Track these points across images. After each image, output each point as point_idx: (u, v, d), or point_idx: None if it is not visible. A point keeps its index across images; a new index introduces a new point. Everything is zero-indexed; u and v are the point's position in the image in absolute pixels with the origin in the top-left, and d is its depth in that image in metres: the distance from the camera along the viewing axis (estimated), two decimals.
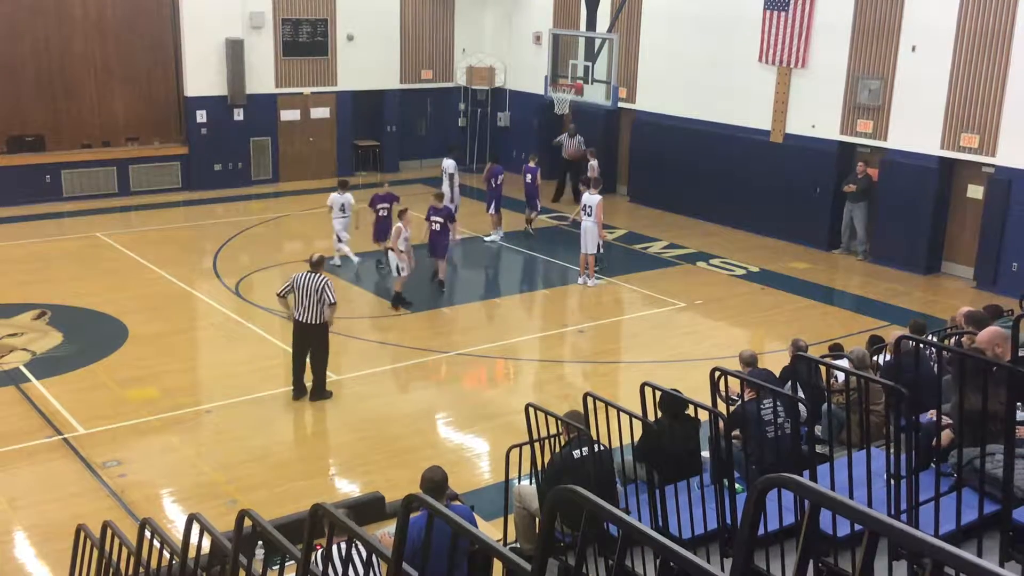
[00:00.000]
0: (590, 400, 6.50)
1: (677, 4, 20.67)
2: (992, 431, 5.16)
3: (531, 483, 7.23)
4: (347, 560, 3.82)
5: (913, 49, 17.02)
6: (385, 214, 16.35)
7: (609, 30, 20.35)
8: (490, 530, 8.18)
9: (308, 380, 11.76)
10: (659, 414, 6.73)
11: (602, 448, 6.41)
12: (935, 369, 6.50)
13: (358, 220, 16.94)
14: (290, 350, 11.81)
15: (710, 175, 20.43)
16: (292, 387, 11.78)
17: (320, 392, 11.79)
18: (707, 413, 5.82)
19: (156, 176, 21.93)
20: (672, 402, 6.80)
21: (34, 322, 14.09)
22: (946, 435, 5.64)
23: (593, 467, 6.18)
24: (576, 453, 6.45)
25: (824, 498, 2.41)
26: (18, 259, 17.12)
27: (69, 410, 11.30)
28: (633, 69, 21.71)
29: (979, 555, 4.84)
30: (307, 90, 23.28)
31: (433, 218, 15.53)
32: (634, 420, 6.07)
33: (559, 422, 6.69)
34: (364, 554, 4.34)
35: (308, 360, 11.71)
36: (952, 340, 8.14)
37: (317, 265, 11.54)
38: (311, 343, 11.63)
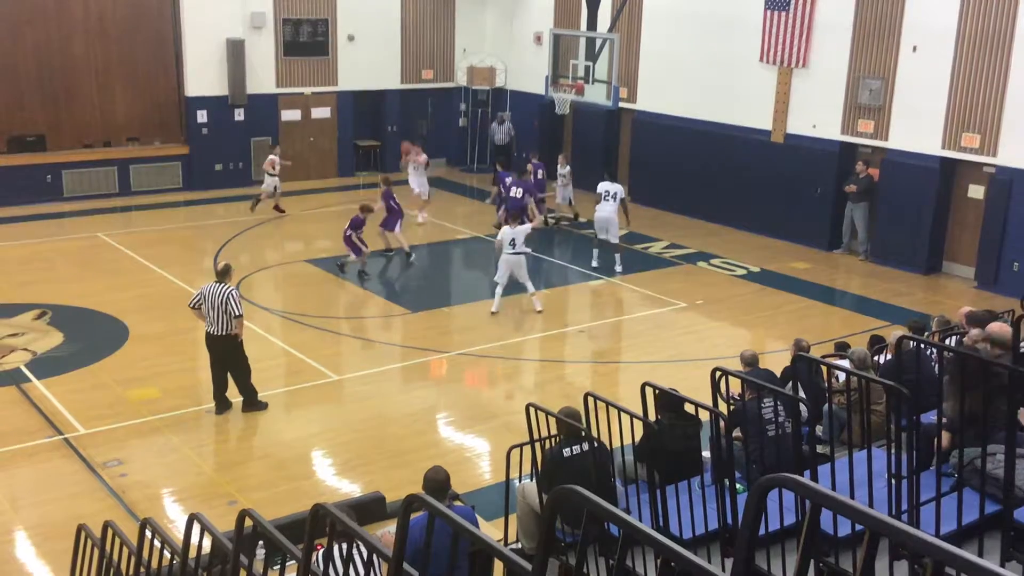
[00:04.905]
0: (590, 400, 6.50)
1: (678, 4, 20.66)
2: (978, 428, 5.18)
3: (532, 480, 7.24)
4: (348, 560, 3.82)
5: (914, 49, 17.01)
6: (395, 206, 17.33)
7: (610, 30, 20.33)
8: (491, 530, 8.18)
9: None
10: (659, 414, 6.73)
11: (596, 445, 6.40)
12: (935, 369, 6.49)
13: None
14: (291, 350, 11.79)
15: (710, 175, 20.42)
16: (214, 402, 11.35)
17: (252, 405, 11.33)
18: (708, 413, 5.83)
19: (157, 176, 21.92)
20: (673, 402, 6.80)
21: (35, 322, 14.09)
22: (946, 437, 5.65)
23: (582, 465, 6.18)
24: (566, 451, 6.44)
25: (825, 498, 2.41)
26: (19, 259, 17.13)
27: (70, 410, 11.30)
28: (634, 69, 21.71)
29: (980, 555, 4.84)
30: (308, 90, 23.27)
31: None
32: (634, 420, 6.07)
33: (558, 421, 6.69)
34: (365, 554, 4.33)
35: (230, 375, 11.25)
36: (951, 339, 8.15)
37: (222, 275, 11.00)
38: (224, 357, 11.11)
